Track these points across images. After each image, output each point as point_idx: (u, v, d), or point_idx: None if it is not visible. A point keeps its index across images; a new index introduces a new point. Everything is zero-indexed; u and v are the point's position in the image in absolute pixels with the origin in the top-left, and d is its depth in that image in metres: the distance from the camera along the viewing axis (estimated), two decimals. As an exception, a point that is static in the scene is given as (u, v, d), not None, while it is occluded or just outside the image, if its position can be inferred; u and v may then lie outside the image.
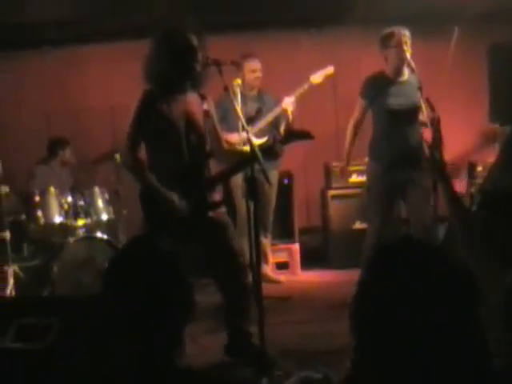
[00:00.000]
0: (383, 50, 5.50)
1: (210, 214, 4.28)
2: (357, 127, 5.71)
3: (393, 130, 5.48)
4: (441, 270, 1.49)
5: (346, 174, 6.48)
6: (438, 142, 4.71)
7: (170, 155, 4.19)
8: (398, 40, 5.38)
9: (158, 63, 4.15)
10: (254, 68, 6.58)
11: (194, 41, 4.16)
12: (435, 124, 4.73)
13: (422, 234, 5.38)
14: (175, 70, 4.13)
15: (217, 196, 4.39)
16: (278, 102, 6.39)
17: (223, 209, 4.41)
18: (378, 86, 5.51)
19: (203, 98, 4.33)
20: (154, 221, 4.19)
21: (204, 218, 4.23)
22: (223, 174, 4.44)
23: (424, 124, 5.32)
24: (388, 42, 5.44)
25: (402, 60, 5.41)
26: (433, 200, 5.18)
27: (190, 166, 4.19)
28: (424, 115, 5.25)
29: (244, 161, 3.98)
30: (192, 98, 4.30)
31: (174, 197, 4.15)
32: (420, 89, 5.44)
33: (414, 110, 5.45)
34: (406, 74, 5.53)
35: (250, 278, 4.36)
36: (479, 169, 7.03)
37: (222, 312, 4.50)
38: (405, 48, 5.35)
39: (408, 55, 5.34)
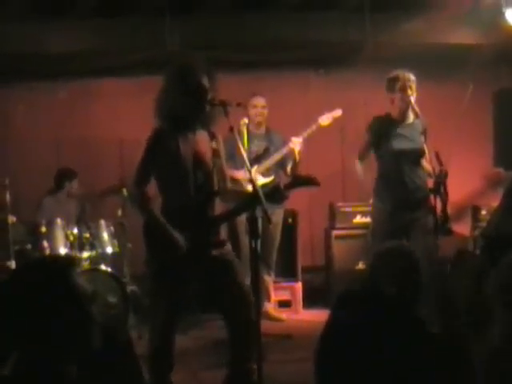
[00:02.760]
0: (389, 93, 5.59)
1: (214, 252, 4.29)
2: (362, 158, 5.73)
3: (397, 172, 5.55)
4: (399, 323, 1.48)
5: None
6: (444, 196, 4.76)
7: (178, 192, 4.21)
8: (402, 84, 5.46)
9: (168, 101, 4.20)
10: (255, 103, 6.63)
11: (205, 80, 4.21)
12: (442, 178, 4.78)
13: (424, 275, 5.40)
14: (185, 108, 4.18)
15: (221, 234, 4.40)
16: (286, 141, 6.44)
17: (229, 246, 4.41)
18: (384, 127, 5.59)
19: (213, 136, 4.35)
20: (156, 256, 4.22)
21: (207, 256, 4.24)
22: (226, 214, 4.46)
23: (429, 174, 5.39)
24: (393, 85, 5.53)
25: (407, 104, 5.49)
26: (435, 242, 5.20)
27: (196, 204, 4.22)
28: (427, 160, 5.33)
29: (246, 203, 4.01)
30: (201, 136, 4.32)
31: (178, 235, 4.15)
32: (424, 133, 5.52)
33: (418, 153, 5.51)
34: (411, 117, 5.61)
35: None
36: (483, 212, 7.07)
37: (227, 347, 4.43)
38: (409, 92, 5.43)
39: (413, 99, 5.41)
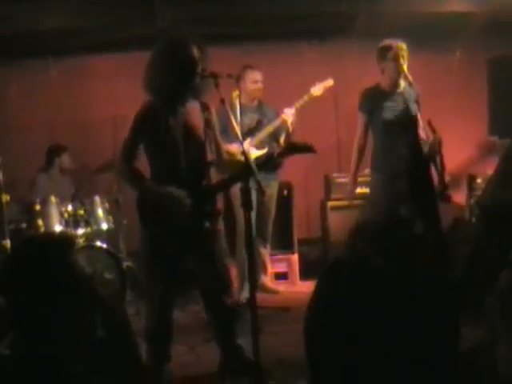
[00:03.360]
0: (380, 62, 5.53)
1: (207, 224, 4.28)
2: (361, 144, 5.72)
3: (391, 142, 5.52)
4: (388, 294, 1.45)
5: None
6: (440, 164, 4.77)
7: (169, 166, 4.19)
8: (395, 53, 5.40)
9: (158, 74, 4.15)
10: (255, 79, 6.61)
11: (195, 52, 4.18)
12: (437, 146, 4.77)
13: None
14: (175, 81, 4.14)
15: (217, 205, 4.39)
16: (279, 113, 6.43)
17: (221, 223, 4.40)
18: (375, 99, 5.55)
19: (205, 107, 4.33)
20: (151, 229, 4.21)
21: (201, 228, 4.23)
22: (220, 185, 4.44)
23: (423, 143, 5.37)
24: (385, 54, 5.47)
25: (398, 73, 5.45)
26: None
27: (188, 177, 4.20)
28: (421, 128, 5.32)
29: (239, 173, 3.98)
30: (192, 107, 4.30)
31: (175, 190, 4.11)
32: (417, 102, 5.48)
33: (411, 121, 5.48)
34: (402, 85, 5.57)
35: (235, 297, 4.43)
36: (479, 181, 7.06)
37: (211, 330, 4.50)
38: (402, 61, 5.38)
39: (405, 68, 5.37)
